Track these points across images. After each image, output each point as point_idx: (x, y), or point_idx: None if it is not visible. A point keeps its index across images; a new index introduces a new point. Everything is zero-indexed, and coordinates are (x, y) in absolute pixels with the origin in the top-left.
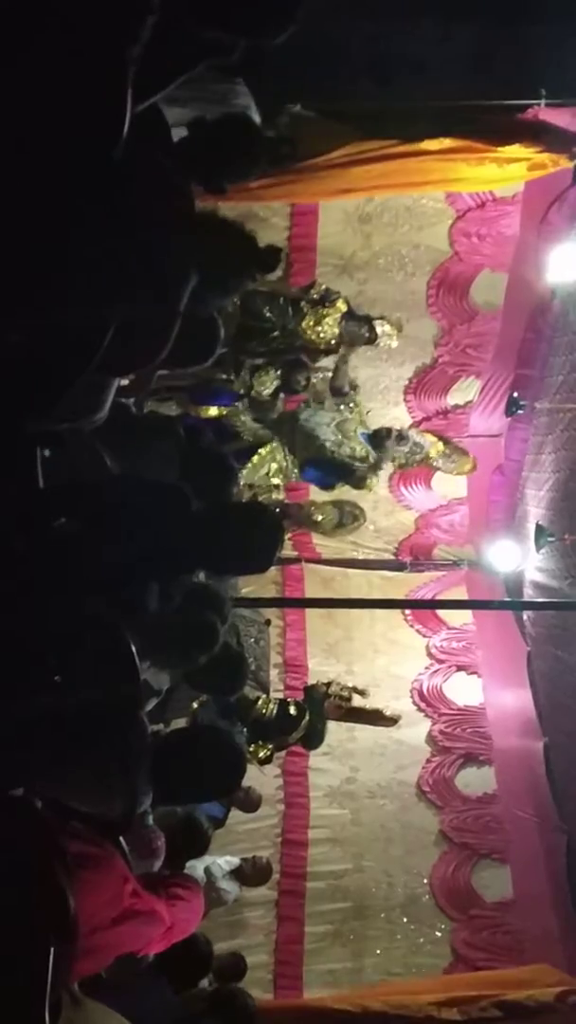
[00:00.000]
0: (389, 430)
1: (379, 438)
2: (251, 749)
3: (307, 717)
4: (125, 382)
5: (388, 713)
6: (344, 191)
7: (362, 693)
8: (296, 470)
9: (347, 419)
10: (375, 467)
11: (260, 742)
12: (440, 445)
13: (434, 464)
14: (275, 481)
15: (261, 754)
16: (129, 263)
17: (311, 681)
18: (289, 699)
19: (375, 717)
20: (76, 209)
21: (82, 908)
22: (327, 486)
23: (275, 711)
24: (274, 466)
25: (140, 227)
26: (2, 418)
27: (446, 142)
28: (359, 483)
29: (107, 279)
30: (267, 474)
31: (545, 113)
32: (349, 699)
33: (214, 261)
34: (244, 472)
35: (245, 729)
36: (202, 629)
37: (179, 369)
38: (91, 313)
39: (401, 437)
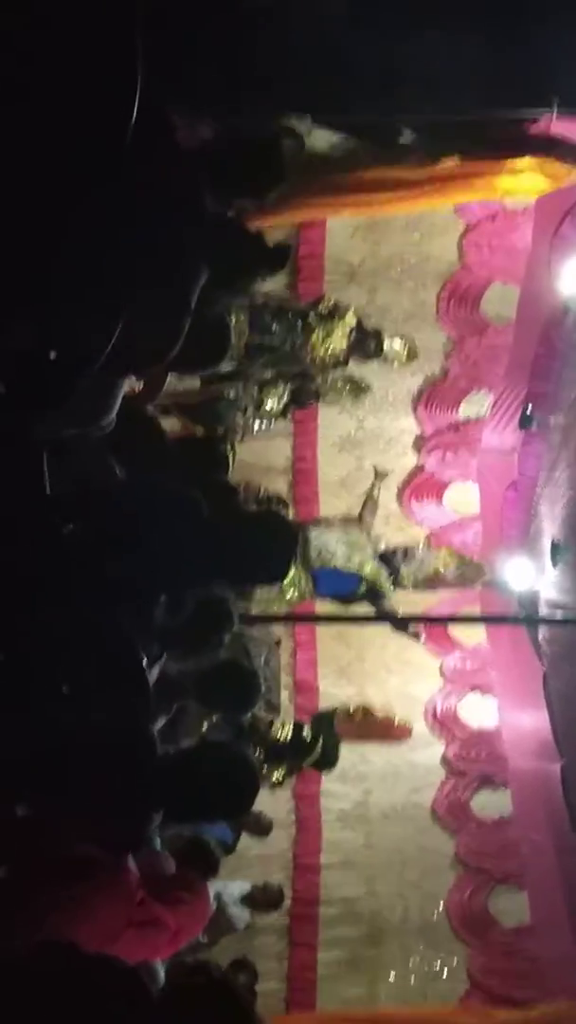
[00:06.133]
0: (395, 550)
1: (387, 559)
2: (264, 773)
3: (321, 740)
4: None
5: (398, 722)
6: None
7: (373, 713)
8: (311, 587)
9: (357, 538)
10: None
11: (273, 766)
12: (447, 558)
13: (445, 578)
14: (289, 597)
15: (274, 778)
16: (139, 259)
17: (321, 703)
18: (303, 722)
19: (386, 730)
20: (84, 204)
21: (94, 917)
22: (348, 596)
23: (289, 734)
24: (288, 582)
25: (150, 223)
26: (9, 419)
27: (457, 159)
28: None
29: (115, 275)
30: (281, 590)
31: (557, 124)
32: (361, 717)
33: (223, 259)
34: (256, 593)
35: (258, 752)
36: (211, 639)
37: (191, 372)
38: (100, 309)
39: (407, 555)
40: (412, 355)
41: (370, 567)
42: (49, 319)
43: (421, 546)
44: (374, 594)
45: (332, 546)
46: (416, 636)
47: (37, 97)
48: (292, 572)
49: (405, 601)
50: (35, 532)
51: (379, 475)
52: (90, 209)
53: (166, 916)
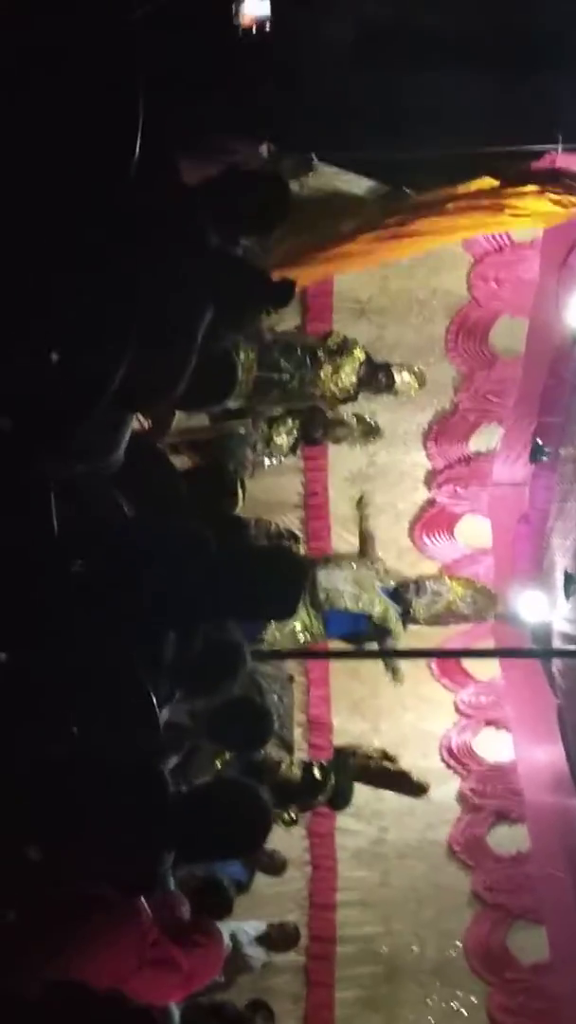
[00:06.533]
0: (407, 584)
1: (398, 595)
2: (276, 811)
3: (333, 779)
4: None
5: (416, 779)
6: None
7: (391, 759)
8: (321, 627)
9: (365, 575)
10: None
11: (286, 805)
12: (459, 589)
13: (458, 610)
14: (301, 639)
15: (287, 816)
16: (143, 295)
17: (336, 739)
18: (315, 761)
19: (402, 782)
20: (87, 241)
21: (105, 956)
22: (358, 636)
23: (300, 774)
24: (298, 624)
25: (154, 259)
26: (16, 456)
27: (462, 192)
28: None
29: (120, 311)
30: (292, 632)
31: (562, 158)
32: (377, 763)
33: (227, 295)
34: (266, 633)
35: (270, 791)
36: (222, 676)
37: (196, 409)
38: (104, 345)
39: (419, 589)
40: (422, 382)
41: (380, 605)
42: (52, 352)
43: (432, 579)
44: (381, 632)
45: (340, 586)
46: (395, 672)
47: (40, 134)
48: (303, 615)
49: (418, 636)
50: (42, 570)
51: (362, 505)
52: (94, 245)
53: (179, 957)
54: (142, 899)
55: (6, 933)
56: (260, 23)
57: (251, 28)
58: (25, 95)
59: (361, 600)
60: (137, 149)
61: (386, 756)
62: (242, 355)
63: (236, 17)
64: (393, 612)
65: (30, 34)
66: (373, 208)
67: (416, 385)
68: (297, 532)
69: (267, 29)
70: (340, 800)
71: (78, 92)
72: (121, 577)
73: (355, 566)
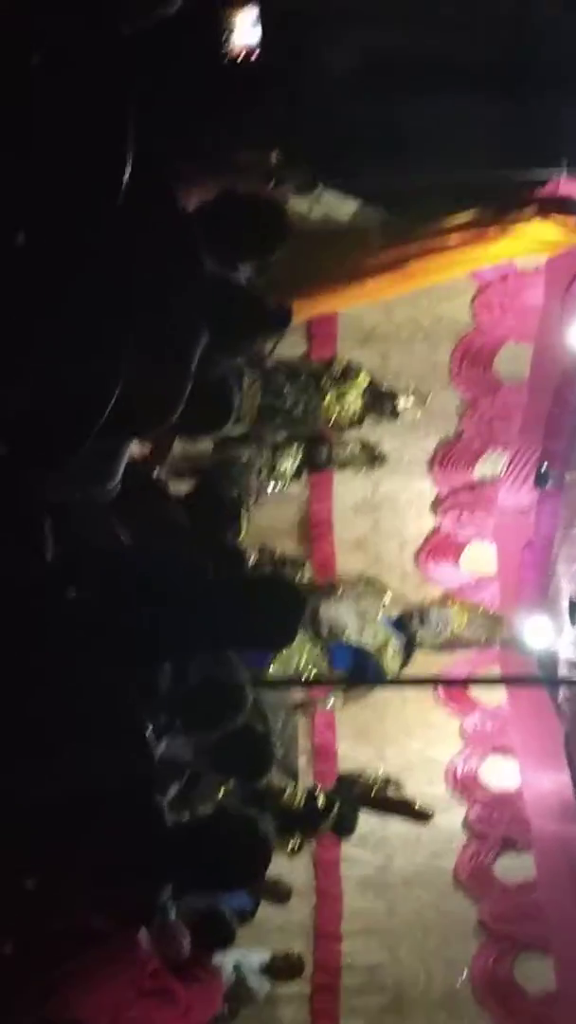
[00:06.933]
0: (411, 614)
1: (403, 623)
2: (279, 840)
3: (336, 807)
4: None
5: (420, 806)
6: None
7: (395, 786)
8: (327, 663)
9: (369, 606)
10: (406, 652)
11: (290, 832)
12: (464, 616)
13: (464, 636)
14: (306, 676)
15: (291, 845)
16: (137, 319)
17: (341, 766)
18: (318, 788)
19: (406, 810)
20: (81, 265)
21: (102, 987)
22: (362, 669)
23: (304, 801)
24: (304, 658)
25: (148, 284)
26: (10, 482)
27: (465, 218)
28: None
29: (113, 335)
30: (297, 667)
31: (566, 184)
32: (381, 790)
33: (222, 320)
34: (272, 667)
35: (274, 818)
36: (219, 708)
37: (195, 436)
38: (98, 370)
39: (423, 618)
40: (421, 401)
41: (381, 636)
42: (47, 380)
43: (436, 606)
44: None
45: (344, 618)
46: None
47: (31, 158)
48: (307, 648)
49: (424, 661)
50: (35, 597)
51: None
52: (87, 270)
53: (178, 990)
54: (141, 930)
55: (3, 966)
56: (250, 51)
57: (240, 56)
58: (17, 116)
59: (364, 632)
60: (127, 171)
61: (390, 783)
62: (245, 381)
63: (226, 44)
64: (393, 645)
65: (22, 56)
66: (376, 236)
67: (415, 407)
68: (301, 559)
69: (256, 56)
70: (344, 828)
71: (68, 113)
72: (115, 605)
73: (360, 596)
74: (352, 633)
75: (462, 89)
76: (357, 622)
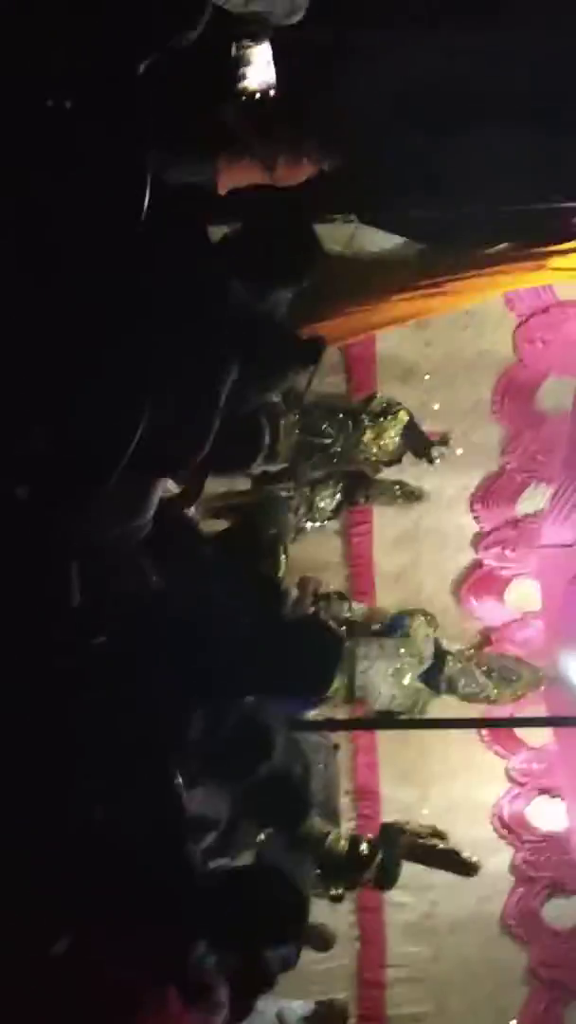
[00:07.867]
0: (443, 674)
1: (433, 676)
2: (321, 887)
3: (380, 856)
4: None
5: (466, 858)
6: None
7: (441, 836)
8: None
9: (407, 664)
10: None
11: (332, 880)
12: (498, 689)
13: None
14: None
15: (333, 892)
16: (163, 354)
17: (384, 808)
18: (362, 836)
19: (452, 861)
20: (106, 299)
21: None
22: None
23: (347, 848)
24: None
25: (175, 318)
26: (34, 525)
27: (504, 249)
28: None
29: (138, 372)
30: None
31: None
32: (427, 840)
33: (253, 355)
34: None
35: (315, 865)
36: (245, 756)
37: (226, 473)
38: (122, 406)
39: (451, 685)
40: (444, 441)
41: (415, 698)
42: (69, 417)
43: (471, 676)
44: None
45: (379, 680)
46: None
47: (53, 194)
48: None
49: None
50: (63, 645)
51: None
52: (112, 304)
53: None
54: (172, 988)
55: None
56: (266, 90)
57: (256, 94)
58: (31, 152)
59: (394, 701)
60: (146, 201)
61: (435, 833)
62: (282, 419)
63: (240, 81)
64: (425, 694)
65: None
66: (412, 267)
67: (454, 448)
68: (344, 592)
69: (272, 95)
70: (386, 881)
71: (85, 147)
72: (143, 652)
73: (400, 651)
74: (384, 701)
75: (500, 119)
76: (390, 687)
